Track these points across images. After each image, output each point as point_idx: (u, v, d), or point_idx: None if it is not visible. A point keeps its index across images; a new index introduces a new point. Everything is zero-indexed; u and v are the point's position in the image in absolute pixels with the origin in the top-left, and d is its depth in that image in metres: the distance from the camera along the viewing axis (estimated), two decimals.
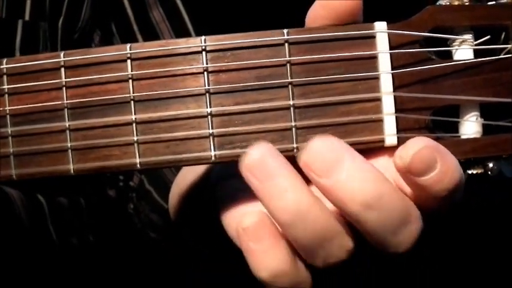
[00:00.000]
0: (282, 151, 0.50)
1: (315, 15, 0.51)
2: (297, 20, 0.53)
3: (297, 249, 0.50)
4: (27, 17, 0.79)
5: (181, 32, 0.88)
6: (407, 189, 0.50)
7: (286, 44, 0.51)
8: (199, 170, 0.70)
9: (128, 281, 0.91)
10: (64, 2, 0.83)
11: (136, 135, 0.52)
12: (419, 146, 0.47)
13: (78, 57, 0.52)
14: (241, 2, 0.89)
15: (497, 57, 0.51)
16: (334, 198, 0.48)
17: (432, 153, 0.47)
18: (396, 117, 0.51)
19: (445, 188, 0.47)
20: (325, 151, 0.48)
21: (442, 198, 0.48)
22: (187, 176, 0.73)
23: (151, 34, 0.88)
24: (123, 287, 0.91)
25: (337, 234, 0.49)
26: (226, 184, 0.59)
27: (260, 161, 0.48)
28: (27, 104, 0.53)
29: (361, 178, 0.47)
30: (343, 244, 0.50)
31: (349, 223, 0.49)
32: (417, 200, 0.49)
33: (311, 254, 0.50)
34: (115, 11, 0.89)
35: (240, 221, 0.50)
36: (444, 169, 0.47)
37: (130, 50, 0.52)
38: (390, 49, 0.51)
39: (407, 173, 0.47)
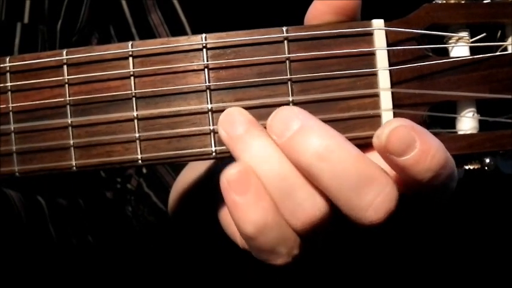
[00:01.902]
0: None
1: (314, 12, 0.52)
2: (294, 21, 0.53)
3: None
4: (26, 20, 0.80)
5: (179, 35, 0.89)
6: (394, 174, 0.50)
7: (286, 41, 0.52)
8: (201, 171, 0.70)
9: (127, 281, 0.92)
10: (63, 5, 0.84)
11: (138, 131, 0.52)
12: (395, 124, 0.47)
13: (80, 55, 0.53)
14: (239, 7, 0.90)
15: (493, 54, 0.52)
16: (290, 154, 0.49)
17: (409, 132, 0.47)
18: (394, 112, 0.52)
19: (428, 169, 0.47)
20: (283, 113, 0.50)
21: (428, 181, 0.48)
22: (188, 177, 0.74)
23: (149, 37, 0.89)
24: (121, 287, 0.91)
25: (302, 185, 0.50)
26: None
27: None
28: (30, 101, 0.54)
29: (314, 133, 0.48)
30: (310, 197, 0.50)
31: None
32: (404, 184, 0.49)
33: (280, 200, 0.50)
34: (113, 13, 0.90)
35: (225, 172, 0.50)
36: (424, 148, 0.47)
37: (132, 47, 0.52)
38: (388, 46, 0.52)
39: (386, 153, 0.47)
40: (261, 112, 0.52)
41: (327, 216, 0.50)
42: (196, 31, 0.89)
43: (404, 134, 0.47)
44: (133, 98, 0.52)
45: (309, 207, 0.50)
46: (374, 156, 0.50)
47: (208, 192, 0.63)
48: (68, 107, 0.53)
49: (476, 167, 0.53)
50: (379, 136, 0.47)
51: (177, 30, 0.89)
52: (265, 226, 0.50)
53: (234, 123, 0.51)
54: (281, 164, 0.50)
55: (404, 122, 0.47)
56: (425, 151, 0.47)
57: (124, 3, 0.90)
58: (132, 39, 0.88)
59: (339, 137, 0.49)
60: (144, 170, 0.87)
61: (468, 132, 0.53)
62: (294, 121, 0.49)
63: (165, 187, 0.83)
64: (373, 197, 0.48)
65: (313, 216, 0.50)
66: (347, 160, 0.48)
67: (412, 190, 0.49)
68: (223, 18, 0.91)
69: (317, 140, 0.48)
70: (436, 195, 0.50)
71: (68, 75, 0.53)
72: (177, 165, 0.82)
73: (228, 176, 0.50)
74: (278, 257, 0.52)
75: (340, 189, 0.48)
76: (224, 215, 0.58)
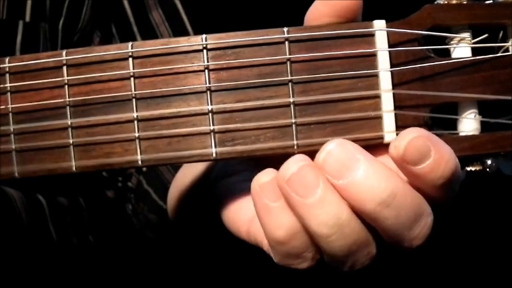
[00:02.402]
0: (282, 148, 0.51)
1: (315, 12, 0.52)
2: (295, 22, 0.53)
3: (325, 258, 0.51)
4: (27, 18, 0.79)
5: (180, 34, 0.89)
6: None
7: (287, 42, 0.51)
8: (199, 168, 0.70)
9: (127, 280, 0.92)
10: (64, 3, 0.84)
11: (138, 132, 0.52)
12: (412, 135, 0.48)
13: (80, 56, 0.53)
14: (240, 5, 0.90)
15: (495, 55, 0.52)
16: (352, 199, 0.49)
17: (425, 142, 0.48)
18: (395, 114, 0.51)
19: (441, 176, 0.48)
20: (339, 151, 0.49)
21: (440, 187, 0.49)
22: (187, 174, 0.74)
23: (151, 35, 0.89)
24: (122, 287, 0.91)
25: (367, 244, 0.50)
26: (225, 182, 0.60)
27: (299, 174, 0.49)
28: (29, 102, 0.53)
29: (376, 177, 0.48)
30: (370, 251, 0.51)
31: (374, 230, 0.50)
32: (416, 190, 0.50)
33: (340, 261, 0.51)
34: (115, 12, 0.90)
35: (257, 178, 0.50)
36: (438, 157, 0.48)
37: (132, 48, 0.52)
38: (389, 47, 0.51)
39: (403, 163, 0.48)
40: (261, 114, 0.51)
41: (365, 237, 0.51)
42: (197, 30, 0.89)
43: (421, 144, 0.48)
44: (133, 99, 0.52)
45: (367, 260, 0.51)
46: (381, 159, 0.50)
47: (207, 189, 0.63)
48: (68, 108, 0.53)
49: (477, 168, 0.53)
50: (397, 147, 0.48)
51: (178, 29, 0.89)
52: (297, 231, 0.50)
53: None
54: (358, 225, 0.50)
55: (420, 132, 0.48)
56: (439, 159, 0.48)
57: (125, 2, 0.89)
58: (134, 38, 0.89)
59: (399, 179, 0.49)
60: (144, 168, 0.87)
61: (470, 133, 0.53)
62: (354, 163, 0.48)
63: (165, 184, 0.83)
64: (421, 230, 0.50)
65: (366, 264, 0.51)
66: (409, 202, 0.49)
67: (424, 195, 0.50)
68: (224, 16, 0.91)
69: (381, 185, 0.48)
70: (444, 199, 0.50)
71: (67, 76, 0.53)
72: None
73: (261, 181, 0.50)
74: (304, 261, 0.52)
75: (398, 229, 0.49)
76: (227, 213, 0.58)
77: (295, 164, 0.49)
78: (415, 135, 0.48)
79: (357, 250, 0.50)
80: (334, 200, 0.48)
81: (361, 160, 0.48)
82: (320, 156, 0.49)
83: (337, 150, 0.49)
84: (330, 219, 0.48)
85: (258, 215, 0.51)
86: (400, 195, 0.48)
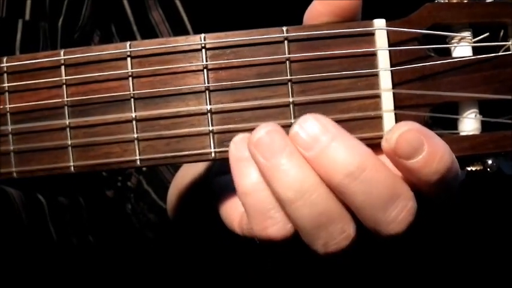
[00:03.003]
0: None
1: (313, 12, 0.51)
2: (294, 22, 0.53)
3: (298, 230, 0.50)
4: (27, 17, 0.79)
5: (180, 33, 0.89)
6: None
7: (286, 42, 0.51)
8: (199, 167, 0.70)
9: (127, 280, 0.92)
10: (64, 2, 0.83)
11: (137, 132, 0.52)
12: (404, 128, 0.48)
13: (78, 55, 0.53)
14: (240, 5, 0.90)
15: (496, 54, 0.52)
16: (321, 171, 0.48)
17: (417, 135, 0.47)
18: (395, 113, 0.51)
19: (435, 171, 0.48)
20: (311, 124, 0.49)
21: (434, 183, 0.48)
22: (187, 173, 0.73)
23: (150, 35, 0.88)
24: (122, 287, 0.91)
25: (339, 217, 0.50)
26: (222, 179, 0.60)
27: (267, 138, 0.49)
28: (27, 102, 0.53)
29: (345, 149, 0.48)
30: (344, 229, 0.50)
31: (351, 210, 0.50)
32: (411, 186, 0.49)
33: (312, 235, 0.50)
34: (115, 11, 0.90)
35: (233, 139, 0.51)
36: (432, 151, 0.47)
37: (130, 48, 0.52)
38: (389, 46, 0.51)
39: (395, 156, 0.48)
40: (260, 113, 0.51)
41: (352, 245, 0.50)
42: (197, 29, 0.89)
43: (413, 137, 0.47)
44: (132, 99, 0.52)
45: (342, 239, 0.50)
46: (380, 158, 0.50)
47: (206, 188, 0.63)
48: (66, 108, 0.53)
49: (478, 168, 0.53)
50: (388, 140, 0.48)
51: (178, 29, 0.89)
52: (261, 187, 0.50)
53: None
54: (326, 194, 0.49)
55: (412, 126, 0.48)
56: (433, 154, 0.47)
57: (125, 1, 0.89)
58: (133, 37, 0.89)
59: (371, 155, 0.49)
60: (144, 168, 0.87)
61: (470, 133, 0.52)
62: (324, 134, 0.48)
63: (165, 184, 0.83)
64: (398, 213, 0.49)
65: (343, 246, 0.50)
66: (381, 179, 0.48)
67: (418, 191, 0.49)
68: (224, 16, 0.90)
69: (348, 158, 0.48)
70: (441, 196, 0.50)
71: (65, 76, 0.53)
72: None
73: (235, 139, 0.51)
74: (274, 223, 0.51)
75: (369, 207, 0.49)
76: (223, 208, 0.57)
77: (264, 128, 0.49)
78: (407, 128, 0.47)
79: (327, 223, 0.49)
80: (300, 165, 0.49)
81: (331, 132, 0.48)
82: (293, 128, 0.49)
83: (310, 123, 0.49)
84: (294, 183, 0.48)
85: (231, 168, 0.51)
86: (370, 170, 0.48)
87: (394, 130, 0.48)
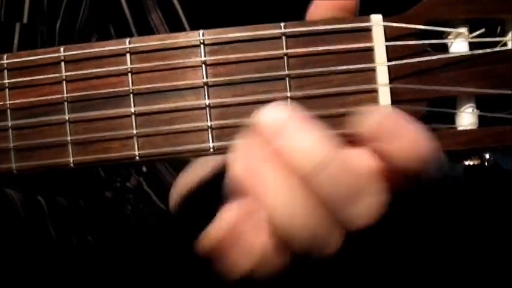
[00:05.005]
0: None
1: (315, 11, 0.52)
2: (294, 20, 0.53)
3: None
4: (25, 20, 0.80)
5: None
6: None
7: (284, 37, 0.52)
8: (206, 171, 0.70)
9: (127, 280, 0.91)
10: (62, 5, 0.84)
11: (136, 127, 0.52)
12: (380, 113, 0.48)
13: (78, 52, 0.53)
14: (239, 8, 0.90)
15: (492, 49, 0.52)
16: (286, 160, 0.48)
17: (394, 121, 0.47)
18: (392, 108, 0.51)
19: (414, 159, 0.47)
20: (275, 115, 0.48)
21: (413, 170, 0.47)
22: (193, 176, 0.73)
23: None
24: (121, 287, 0.91)
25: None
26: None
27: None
28: (27, 98, 0.54)
29: (310, 141, 0.47)
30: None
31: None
32: (389, 175, 0.49)
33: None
34: (113, 13, 0.90)
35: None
36: (409, 137, 0.47)
37: (129, 44, 0.52)
38: (386, 41, 0.52)
39: (371, 141, 0.48)
40: (258, 108, 0.51)
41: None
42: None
43: (390, 121, 0.47)
44: (131, 95, 0.52)
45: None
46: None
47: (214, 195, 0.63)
48: (66, 103, 0.53)
49: (476, 162, 0.53)
50: (364, 124, 0.48)
51: (177, 30, 0.89)
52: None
53: None
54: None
55: (388, 111, 0.48)
56: (410, 140, 0.47)
57: (124, 3, 0.90)
58: None
59: (337, 148, 0.48)
60: (144, 169, 0.87)
61: (468, 127, 0.52)
62: (288, 126, 0.48)
63: (166, 186, 0.83)
64: (368, 206, 0.48)
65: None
66: (348, 170, 0.48)
67: (397, 181, 0.49)
68: (223, 18, 0.91)
69: (316, 148, 0.48)
70: (421, 185, 0.49)
71: (65, 72, 0.53)
72: (178, 164, 0.81)
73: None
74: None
75: (337, 198, 0.48)
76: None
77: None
78: (384, 112, 0.48)
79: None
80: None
81: (294, 123, 0.48)
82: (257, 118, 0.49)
83: (274, 114, 0.48)
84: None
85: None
86: (338, 161, 0.47)
87: (370, 114, 0.48)
